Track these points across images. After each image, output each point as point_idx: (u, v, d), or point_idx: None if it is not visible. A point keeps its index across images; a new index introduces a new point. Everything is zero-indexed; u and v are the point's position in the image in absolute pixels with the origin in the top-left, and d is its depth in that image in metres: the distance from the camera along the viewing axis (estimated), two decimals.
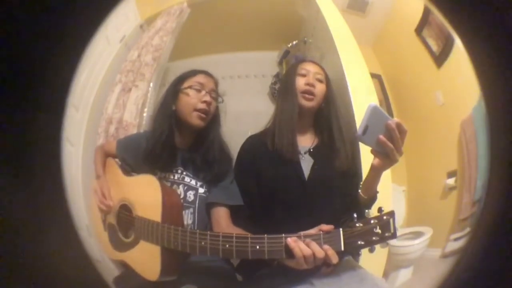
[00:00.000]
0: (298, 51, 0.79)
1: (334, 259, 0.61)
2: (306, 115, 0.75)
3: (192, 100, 0.73)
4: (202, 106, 0.73)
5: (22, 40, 0.68)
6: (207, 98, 0.73)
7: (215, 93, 0.75)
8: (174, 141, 0.75)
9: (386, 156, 0.62)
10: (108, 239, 0.78)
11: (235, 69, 0.80)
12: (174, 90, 0.75)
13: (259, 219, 0.72)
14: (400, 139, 0.61)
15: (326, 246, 0.60)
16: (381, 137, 0.60)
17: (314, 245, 0.60)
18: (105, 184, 0.77)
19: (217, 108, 0.75)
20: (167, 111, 0.75)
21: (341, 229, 0.61)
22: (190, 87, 0.74)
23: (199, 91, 0.74)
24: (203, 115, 0.73)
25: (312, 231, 0.62)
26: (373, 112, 0.59)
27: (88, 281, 0.73)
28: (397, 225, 0.62)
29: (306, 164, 0.73)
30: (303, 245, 0.60)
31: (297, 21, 0.83)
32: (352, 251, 0.63)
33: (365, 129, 0.59)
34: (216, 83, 0.76)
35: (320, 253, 0.60)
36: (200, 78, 0.75)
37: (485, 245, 0.71)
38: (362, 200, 0.68)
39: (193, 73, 0.76)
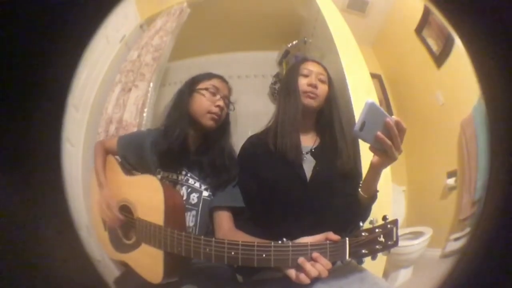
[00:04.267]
0: (298, 51, 0.79)
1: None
2: (308, 115, 0.75)
3: (206, 102, 0.74)
4: (215, 109, 0.73)
5: (22, 40, 0.68)
6: (221, 103, 0.74)
7: (227, 100, 0.75)
8: (188, 141, 0.75)
9: (385, 154, 0.62)
10: (109, 239, 0.78)
11: (235, 69, 0.80)
12: (189, 90, 0.75)
13: (260, 220, 0.72)
14: (398, 136, 0.61)
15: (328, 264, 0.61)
16: (379, 133, 0.60)
17: (320, 266, 0.60)
18: (110, 196, 0.76)
19: (227, 115, 0.75)
20: (183, 111, 0.74)
21: (347, 239, 0.62)
22: (206, 89, 0.74)
23: (214, 94, 0.74)
24: (216, 117, 0.74)
25: (319, 237, 0.62)
26: (370, 109, 0.59)
27: (88, 281, 0.73)
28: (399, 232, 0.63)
29: (308, 165, 0.73)
30: (309, 266, 0.60)
31: (297, 21, 0.83)
32: (356, 259, 0.63)
33: (362, 125, 0.59)
34: (229, 90, 0.76)
35: (324, 273, 0.60)
36: (215, 82, 0.75)
37: (485, 245, 0.71)
38: (363, 199, 0.68)
39: (209, 76, 0.76)
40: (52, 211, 0.72)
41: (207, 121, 0.73)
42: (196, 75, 0.76)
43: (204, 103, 0.74)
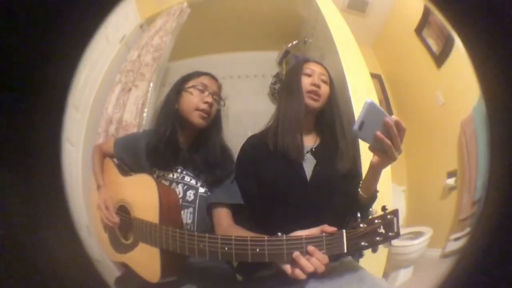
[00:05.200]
0: (298, 51, 0.79)
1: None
2: (310, 115, 0.75)
3: (194, 99, 0.74)
4: (203, 106, 0.74)
5: (22, 40, 0.68)
6: (209, 99, 0.74)
7: (217, 96, 0.75)
8: (177, 139, 0.75)
9: (384, 153, 0.62)
10: (108, 240, 0.78)
11: (235, 69, 0.80)
12: (178, 89, 0.76)
13: (260, 219, 0.72)
14: (398, 136, 0.61)
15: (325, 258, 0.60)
16: (378, 133, 0.60)
17: (315, 261, 0.60)
18: (108, 197, 0.76)
19: (219, 111, 0.76)
20: (170, 109, 0.75)
21: (344, 231, 0.61)
22: (193, 86, 0.75)
23: (202, 91, 0.74)
24: (204, 115, 0.74)
25: (315, 230, 0.62)
26: (369, 108, 0.59)
27: (88, 281, 0.73)
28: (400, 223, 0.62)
29: (308, 164, 0.73)
30: (304, 261, 0.60)
31: (297, 21, 0.83)
32: (355, 253, 0.62)
33: (361, 125, 0.59)
34: (219, 87, 0.76)
35: (320, 268, 0.60)
36: (204, 80, 0.75)
37: (485, 245, 0.71)
38: (362, 199, 0.67)
39: (197, 74, 0.76)
40: (52, 211, 0.72)
41: (196, 119, 0.74)
42: (185, 74, 0.76)
43: (192, 101, 0.74)
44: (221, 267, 0.73)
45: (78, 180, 0.78)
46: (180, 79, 0.76)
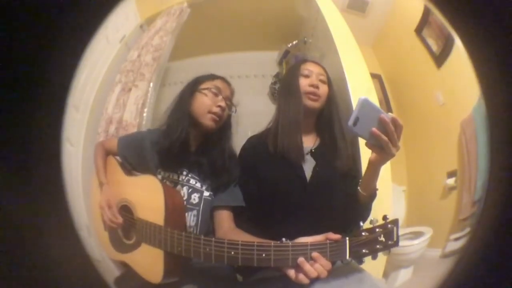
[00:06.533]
0: (298, 51, 0.79)
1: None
2: (309, 116, 0.75)
3: (207, 102, 0.74)
4: (216, 109, 0.73)
5: (22, 40, 0.69)
6: (223, 103, 0.74)
7: (229, 101, 0.75)
8: (189, 141, 0.74)
9: (382, 149, 0.62)
10: (109, 239, 0.78)
11: (235, 69, 0.80)
12: (192, 90, 0.75)
13: (260, 220, 0.72)
14: (395, 133, 0.61)
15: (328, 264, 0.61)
16: (374, 129, 0.61)
17: (319, 267, 0.61)
18: (111, 196, 0.76)
19: (229, 117, 0.75)
20: (184, 110, 0.74)
21: (347, 238, 0.62)
22: (208, 89, 0.74)
23: (216, 94, 0.74)
24: (216, 118, 0.73)
25: (320, 237, 0.62)
26: (363, 105, 0.60)
27: (88, 281, 0.73)
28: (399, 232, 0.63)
29: (308, 165, 0.73)
30: (308, 266, 0.61)
31: (297, 21, 0.83)
32: (356, 259, 0.63)
33: (356, 121, 0.59)
34: (232, 92, 0.76)
35: (323, 274, 0.61)
36: (218, 83, 0.75)
37: (485, 245, 0.71)
38: (362, 198, 0.68)
39: (212, 77, 0.76)
40: (52, 211, 0.72)
41: (208, 121, 0.73)
42: (199, 75, 0.76)
43: (205, 103, 0.74)
44: (222, 268, 0.73)
45: (78, 180, 0.78)
46: (193, 80, 0.76)
